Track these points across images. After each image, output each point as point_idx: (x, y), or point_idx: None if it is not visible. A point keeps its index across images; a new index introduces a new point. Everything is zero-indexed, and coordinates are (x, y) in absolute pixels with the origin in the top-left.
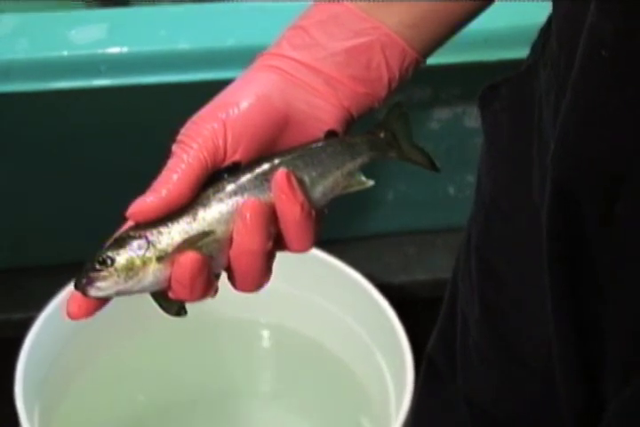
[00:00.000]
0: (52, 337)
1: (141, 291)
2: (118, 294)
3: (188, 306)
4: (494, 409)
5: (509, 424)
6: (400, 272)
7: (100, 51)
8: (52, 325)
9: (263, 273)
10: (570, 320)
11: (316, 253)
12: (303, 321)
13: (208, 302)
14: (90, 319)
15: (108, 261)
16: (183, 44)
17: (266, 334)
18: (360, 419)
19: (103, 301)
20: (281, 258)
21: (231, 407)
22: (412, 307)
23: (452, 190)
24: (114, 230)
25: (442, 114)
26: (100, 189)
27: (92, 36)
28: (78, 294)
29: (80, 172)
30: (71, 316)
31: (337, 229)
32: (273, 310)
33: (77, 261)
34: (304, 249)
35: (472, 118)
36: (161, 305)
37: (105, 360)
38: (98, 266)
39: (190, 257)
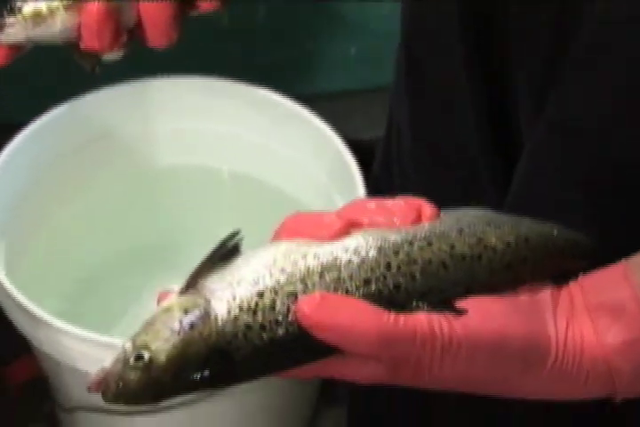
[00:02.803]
0: (17, 177)
1: (53, 39)
2: (30, 40)
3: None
4: None
5: None
6: (367, 129)
7: None
8: (16, 162)
9: (172, 26)
10: (485, 98)
11: (283, 101)
12: (266, 169)
13: (170, 150)
14: (59, 164)
15: (16, 10)
16: None
17: (227, 180)
18: None
19: (17, 49)
20: (248, 108)
21: (191, 251)
22: None
23: None
24: None
25: None
26: None
27: None
28: None
29: None
30: None
31: (302, 87)
32: (236, 158)
33: None
34: (213, 8)
35: None
36: (78, 60)
37: (72, 205)
38: (6, 14)
39: (97, 4)
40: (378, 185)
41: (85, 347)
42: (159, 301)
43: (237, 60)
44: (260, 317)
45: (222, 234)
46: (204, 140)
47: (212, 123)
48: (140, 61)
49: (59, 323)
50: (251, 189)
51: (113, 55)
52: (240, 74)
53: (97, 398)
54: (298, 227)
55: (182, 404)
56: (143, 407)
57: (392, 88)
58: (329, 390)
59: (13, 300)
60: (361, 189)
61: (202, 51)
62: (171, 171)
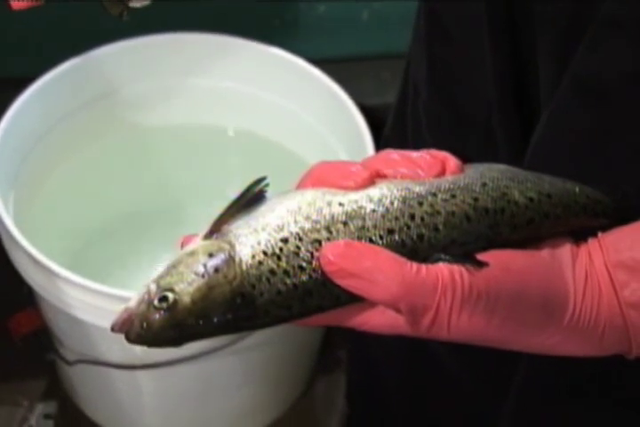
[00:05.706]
0: (26, 130)
1: None
2: None
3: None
4: None
5: None
6: (374, 95)
7: None
8: (26, 115)
9: None
10: (506, 57)
11: (294, 60)
12: (273, 128)
13: (176, 108)
14: (66, 119)
15: None
16: None
17: (233, 139)
18: None
19: None
20: (262, 67)
21: (195, 209)
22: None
23: None
24: None
25: None
26: None
27: None
28: None
29: None
30: (13, 6)
31: (313, 50)
32: (242, 116)
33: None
34: None
35: None
36: (106, 6)
37: (77, 160)
38: None
39: None
40: (389, 147)
41: (91, 298)
42: (183, 245)
43: (249, 21)
44: (283, 262)
45: (227, 192)
46: (211, 97)
47: (221, 80)
48: (151, 18)
49: (66, 273)
50: (257, 147)
51: (140, 1)
52: (251, 35)
53: (98, 352)
54: (324, 175)
55: (182, 359)
56: (151, 357)
57: (410, 44)
58: (326, 356)
59: (22, 249)
60: (371, 150)
61: (214, 10)
62: (177, 129)
